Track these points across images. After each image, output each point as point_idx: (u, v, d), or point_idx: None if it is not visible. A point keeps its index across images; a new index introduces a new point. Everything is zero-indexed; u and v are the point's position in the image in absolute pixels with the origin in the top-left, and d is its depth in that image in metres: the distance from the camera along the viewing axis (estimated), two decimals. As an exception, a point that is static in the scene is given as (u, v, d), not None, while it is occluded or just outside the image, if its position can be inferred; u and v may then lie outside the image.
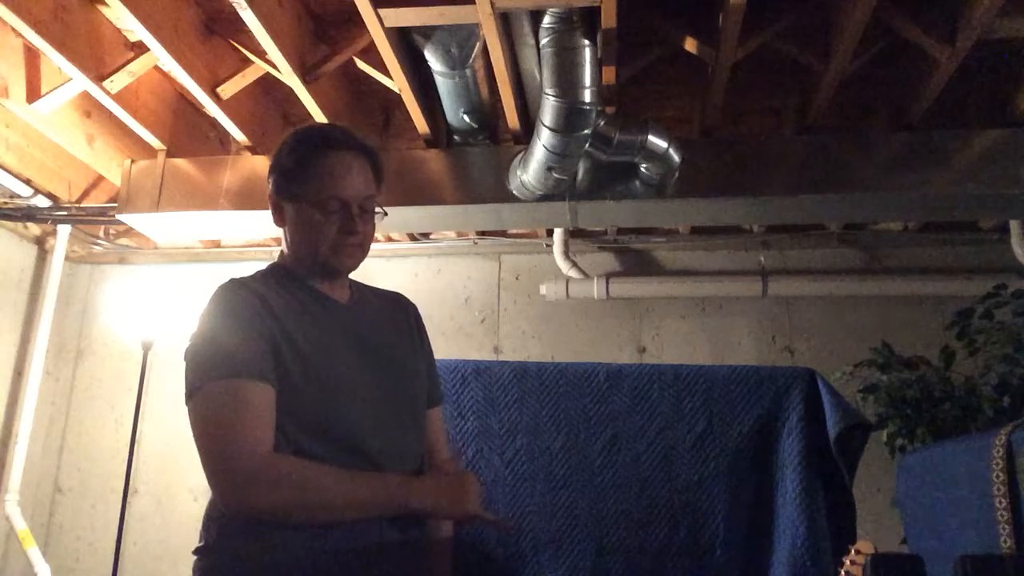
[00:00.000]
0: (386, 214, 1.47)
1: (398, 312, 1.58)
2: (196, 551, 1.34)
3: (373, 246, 1.50)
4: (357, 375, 1.38)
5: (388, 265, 4.23)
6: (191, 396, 1.27)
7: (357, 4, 2.37)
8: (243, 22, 2.49)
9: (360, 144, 1.43)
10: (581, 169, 3.10)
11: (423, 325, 1.61)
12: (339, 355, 1.38)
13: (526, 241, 4.18)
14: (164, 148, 3.28)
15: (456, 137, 3.24)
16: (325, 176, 1.38)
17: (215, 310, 1.32)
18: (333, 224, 1.38)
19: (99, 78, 2.75)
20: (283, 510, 1.24)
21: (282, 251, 1.48)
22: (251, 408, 1.24)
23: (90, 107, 3.24)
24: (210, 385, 1.25)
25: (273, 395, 1.27)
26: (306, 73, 2.82)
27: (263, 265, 1.50)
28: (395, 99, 3.11)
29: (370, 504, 1.28)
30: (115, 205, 3.41)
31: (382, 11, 2.41)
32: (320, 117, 3.03)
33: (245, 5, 2.37)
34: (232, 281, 1.39)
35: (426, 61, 2.67)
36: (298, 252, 1.43)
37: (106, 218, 3.81)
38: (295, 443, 1.29)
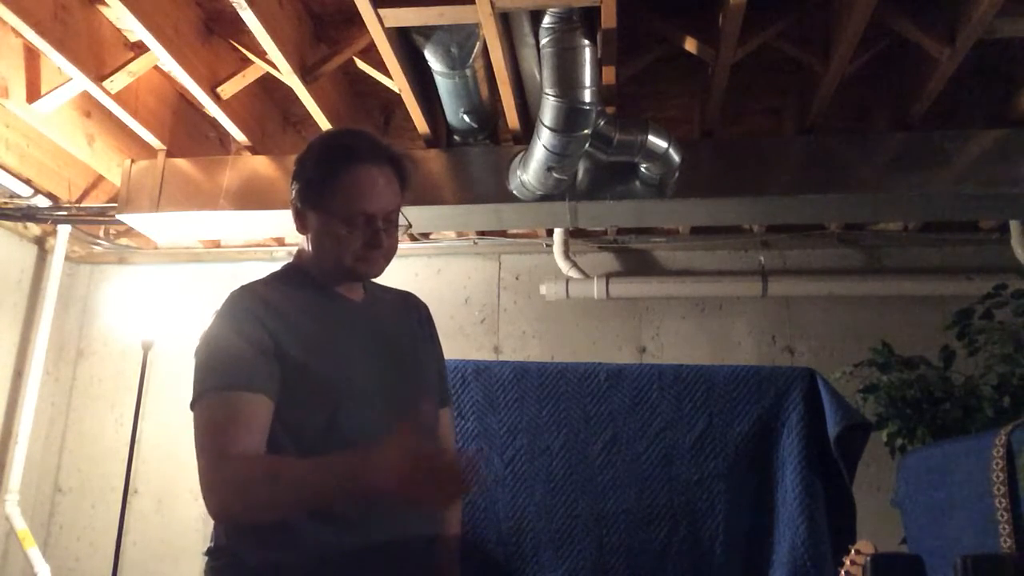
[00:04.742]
0: (411, 225, 1.46)
1: (410, 311, 1.59)
2: (207, 552, 1.36)
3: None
4: (372, 374, 1.39)
5: (388, 265, 4.23)
6: (192, 406, 1.29)
7: (357, 4, 2.37)
8: (243, 22, 2.49)
9: (386, 154, 1.42)
10: (581, 169, 3.09)
11: (434, 325, 1.62)
12: (353, 354, 1.39)
13: (526, 241, 4.18)
14: (164, 148, 3.28)
15: (456, 137, 3.24)
16: (352, 190, 1.37)
17: (220, 320, 1.34)
18: (358, 238, 1.38)
19: (99, 78, 2.75)
20: (253, 512, 1.25)
21: (299, 251, 1.48)
22: (240, 421, 1.25)
23: (90, 107, 3.24)
24: (207, 396, 1.28)
25: (267, 405, 1.28)
26: (306, 73, 2.82)
27: (263, 265, 1.50)
28: (395, 99, 3.11)
29: (327, 492, 1.22)
30: (115, 205, 3.40)
31: (382, 11, 2.40)
32: (320, 117, 3.03)
33: (245, 5, 2.37)
34: (241, 289, 1.40)
35: (426, 61, 2.67)
36: (321, 259, 1.43)
37: (106, 218, 3.81)
38: (307, 446, 1.30)
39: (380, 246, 1.39)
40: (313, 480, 1.22)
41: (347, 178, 1.38)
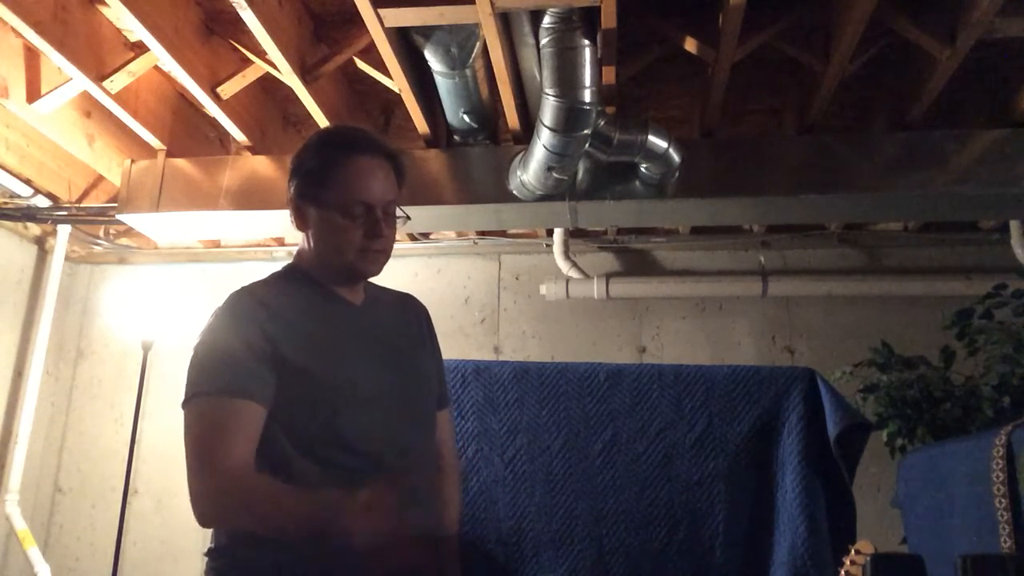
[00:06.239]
0: (409, 218, 1.46)
1: (409, 313, 1.59)
2: (207, 552, 1.36)
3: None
4: (372, 377, 1.38)
5: (388, 265, 4.21)
6: (183, 406, 1.30)
7: (357, 4, 2.37)
8: (243, 22, 2.49)
9: (383, 148, 1.43)
10: (581, 169, 3.10)
11: (433, 327, 1.61)
12: (353, 358, 1.39)
13: (526, 241, 4.18)
14: (164, 148, 3.28)
15: (456, 137, 3.24)
16: (351, 180, 1.37)
17: (216, 322, 1.34)
18: (358, 229, 1.37)
19: (99, 78, 2.75)
20: (231, 527, 1.29)
21: (299, 252, 1.47)
22: (228, 428, 1.25)
23: (90, 107, 3.24)
24: (197, 400, 1.28)
25: (258, 412, 1.27)
26: (306, 73, 2.82)
27: (263, 265, 1.50)
28: (395, 99, 3.11)
29: (312, 527, 1.20)
30: (115, 205, 3.40)
31: (382, 11, 2.41)
32: (320, 117, 3.02)
33: (245, 5, 2.37)
34: (240, 291, 1.39)
35: (426, 61, 2.67)
36: (322, 256, 1.42)
37: (106, 218, 3.81)
38: (307, 450, 1.30)
39: (380, 235, 1.39)
40: (289, 512, 1.21)
41: (346, 168, 1.38)
